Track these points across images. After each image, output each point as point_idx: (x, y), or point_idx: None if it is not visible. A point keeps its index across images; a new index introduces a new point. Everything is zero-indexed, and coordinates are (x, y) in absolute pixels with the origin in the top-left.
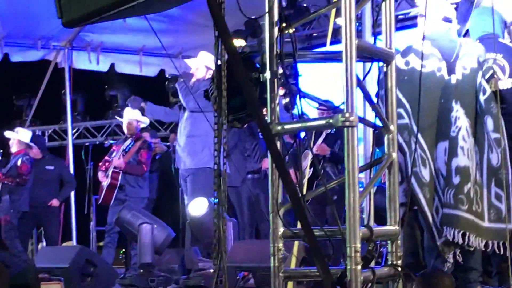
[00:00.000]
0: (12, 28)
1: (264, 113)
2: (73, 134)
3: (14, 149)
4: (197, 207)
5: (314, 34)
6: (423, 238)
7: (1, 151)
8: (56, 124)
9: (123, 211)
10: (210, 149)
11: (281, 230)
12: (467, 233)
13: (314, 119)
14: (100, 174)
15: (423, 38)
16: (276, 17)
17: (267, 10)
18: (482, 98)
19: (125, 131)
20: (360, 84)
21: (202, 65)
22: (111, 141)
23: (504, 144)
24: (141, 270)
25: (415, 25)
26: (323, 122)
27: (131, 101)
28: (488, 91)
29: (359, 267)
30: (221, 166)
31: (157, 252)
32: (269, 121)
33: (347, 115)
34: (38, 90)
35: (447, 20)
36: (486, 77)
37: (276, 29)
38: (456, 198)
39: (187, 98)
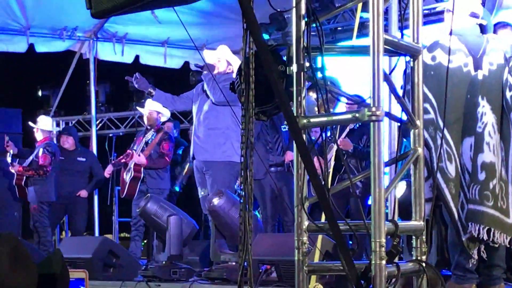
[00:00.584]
0: (37, 19)
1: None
2: (96, 125)
3: (38, 138)
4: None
5: (339, 28)
6: (447, 234)
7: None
8: (80, 114)
9: (150, 203)
10: (233, 142)
11: (305, 223)
12: (492, 229)
13: (341, 113)
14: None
15: (450, 33)
16: (303, 11)
17: (294, 3)
18: (508, 94)
19: (146, 122)
20: (387, 79)
21: (224, 58)
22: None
23: None
24: (165, 262)
25: (440, 20)
26: (349, 116)
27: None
28: None
29: (383, 262)
30: (248, 159)
31: (183, 244)
32: (295, 114)
33: (373, 109)
34: (62, 81)
35: (474, 15)
36: None
37: (303, 22)
38: (481, 194)
39: (214, 90)
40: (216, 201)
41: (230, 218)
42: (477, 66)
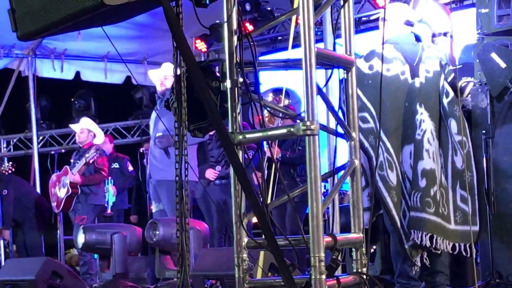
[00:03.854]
0: None
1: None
2: (38, 143)
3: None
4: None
5: (279, 38)
6: (389, 242)
7: None
8: (21, 133)
9: (88, 235)
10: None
11: (245, 240)
12: (435, 236)
13: (275, 128)
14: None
15: (383, 42)
16: (235, 25)
17: (225, 18)
18: (445, 101)
19: (77, 139)
20: (321, 92)
21: (170, 75)
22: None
23: (468, 146)
24: (111, 280)
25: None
26: (284, 131)
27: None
28: (451, 94)
29: (323, 276)
30: (183, 178)
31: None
32: (230, 130)
33: (308, 123)
34: (1, 99)
35: (409, 24)
36: (449, 79)
37: (235, 38)
38: (422, 201)
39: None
40: (154, 237)
41: (174, 239)
42: (414, 74)
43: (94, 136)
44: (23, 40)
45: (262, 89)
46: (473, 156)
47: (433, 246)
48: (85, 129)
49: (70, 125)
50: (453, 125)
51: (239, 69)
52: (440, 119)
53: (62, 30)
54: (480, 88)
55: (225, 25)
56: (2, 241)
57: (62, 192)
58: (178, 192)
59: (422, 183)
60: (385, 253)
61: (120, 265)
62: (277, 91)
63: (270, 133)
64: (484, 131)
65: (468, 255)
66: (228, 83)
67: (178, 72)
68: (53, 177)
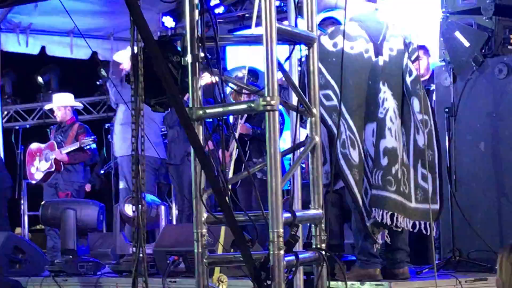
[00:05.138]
0: None
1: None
2: (3, 118)
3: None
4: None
5: (247, 15)
6: (349, 219)
7: None
8: None
9: (44, 209)
10: (147, 137)
11: (204, 215)
12: (395, 214)
13: (236, 103)
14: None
15: (345, 19)
16: (196, 0)
17: None
18: (408, 79)
19: (57, 118)
20: (282, 68)
21: (119, 59)
22: None
23: (430, 125)
24: (72, 256)
25: None
26: (244, 106)
27: None
28: (414, 73)
29: (281, 252)
30: (139, 153)
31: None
32: (190, 105)
33: (268, 99)
34: None
35: (372, 0)
36: (412, 58)
37: (196, 12)
38: (384, 180)
39: (111, 92)
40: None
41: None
42: (378, 52)
43: (72, 110)
44: None
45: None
46: (435, 134)
47: (394, 224)
48: (61, 106)
49: (46, 105)
50: (415, 103)
51: (200, 44)
52: (403, 97)
53: (19, 2)
54: (444, 66)
55: None
56: None
57: (42, 165)
58: (134, 167)
59: (384, 161)
60: (338, 229)
61: (69, 241)
62: (240, 69)
63: (230, 108)
64: (447, 110)
65: (428, 233)
66: (189, 58)
67: (135, 48)
68: (34, 146)
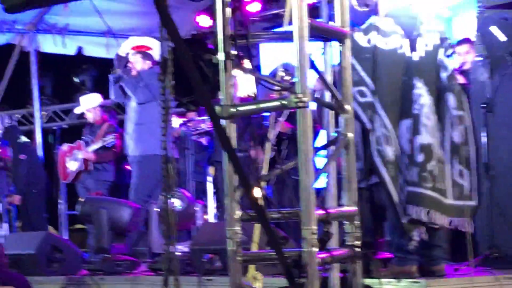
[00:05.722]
0: None
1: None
2: (41, 118)
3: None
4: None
5: (283, 12)
6: (383, 216)
7: None
8: (24, 108)
9: (83, 206)
10: (158, 137)
11: (237, 213)
12: (431, 211)
13: (267, 100)
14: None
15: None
16: None
17: None
18: (444, 75)
19: (89, 119)
20: (313, 65)
21: (137, 57)
22: None
23: (467, 121)
24: (110, 255)
25: None
26: (276, 103)
27: None
28: (450, 68)
29: (315, 249)
30: (168, 152)
31: (125, 232)
32: (222, 103)
33: (300, 95)
34: (4, 75)
35: None
36: (447, 53)
37: (228, 10)
38: (420, 176)
39: (136, 92)
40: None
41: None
42: (413, 47)
43: (101, 109)
44: (10, 12)
45: (274, 65)
46: (472, 130)
47: (430, 221)
48: (90, 108)
49: (75, 110)
50: (451, 99)
51: (232, 42)
52: (438, 93)
53: (50, 2)
54: (480, 61)
55: None
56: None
57: (72, 165)
58: (164, 166)
59: (420, 158)
60: (371, 227)
61: (103, 240)
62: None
63: (262, 105)
64: (483, 105)
65: (465, 230)
66: (220, 56)
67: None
68: (64, 146)
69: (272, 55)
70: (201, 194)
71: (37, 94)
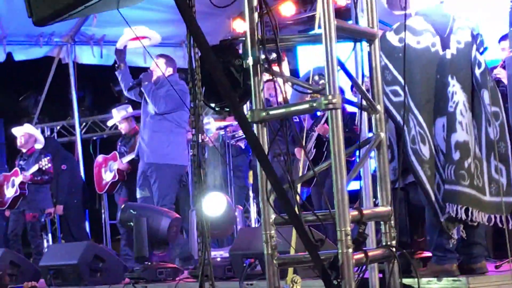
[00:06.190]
0: (13, 27)
1: None
2: (81, 129)
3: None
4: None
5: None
6: (419, 215)
7: None
8: (64, 120)
9: (123, 211)
10: (176, 145)
11: (272, 217)
12: (470, 208)
13: (298, 103)
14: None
15: (406, 14)
16: (255, 2)
17: None
18: (477, 72)
19: (122, 131)
20: (342, 66)
21: (161, 61)
22: None
23: (502, 117)
24: (146, 263)
25: None
26: (307, 106)
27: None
28: (483, 65)
29: (350, 250)
30: (200, 157)
31: (164, 241)
32: (254, 107)
33: (329, 97)
34: (43, 87)
35: None
36: (480, 50)
37: (256, 14)
38: (457, 174)
39: (155, 101)
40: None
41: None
42: (445, 45)
43: (134, 120)
44: (39, 25)
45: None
46: (508, 126)
47: (469, 219)
48: (122, 119)
49: (108, 123)
50: (486, 96)
51: (261, 46)
52: (472, 90)
53: (77, 14)
54: None
55: (246, 1)
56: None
57: (107, 176)
58: (196, 171)
59: (456, 155)
60: (411, 226)
61: (142, 248)
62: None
63: (293, 109)
64: None
65: (504, 227)
66: (249, 61)
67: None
68: (100, 158)
69: (310, 59)
70: (243, 199)
71: (76, 106)
